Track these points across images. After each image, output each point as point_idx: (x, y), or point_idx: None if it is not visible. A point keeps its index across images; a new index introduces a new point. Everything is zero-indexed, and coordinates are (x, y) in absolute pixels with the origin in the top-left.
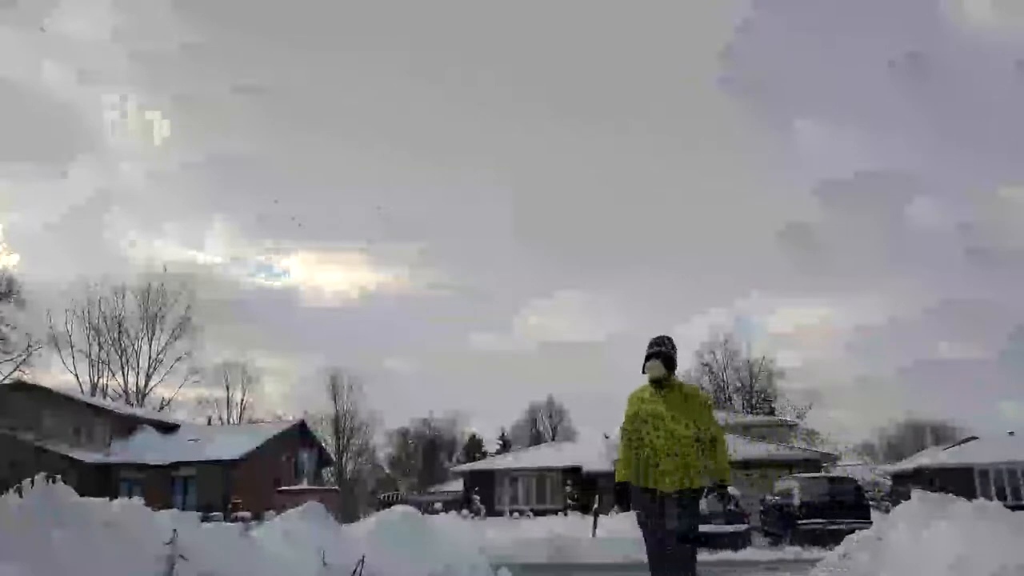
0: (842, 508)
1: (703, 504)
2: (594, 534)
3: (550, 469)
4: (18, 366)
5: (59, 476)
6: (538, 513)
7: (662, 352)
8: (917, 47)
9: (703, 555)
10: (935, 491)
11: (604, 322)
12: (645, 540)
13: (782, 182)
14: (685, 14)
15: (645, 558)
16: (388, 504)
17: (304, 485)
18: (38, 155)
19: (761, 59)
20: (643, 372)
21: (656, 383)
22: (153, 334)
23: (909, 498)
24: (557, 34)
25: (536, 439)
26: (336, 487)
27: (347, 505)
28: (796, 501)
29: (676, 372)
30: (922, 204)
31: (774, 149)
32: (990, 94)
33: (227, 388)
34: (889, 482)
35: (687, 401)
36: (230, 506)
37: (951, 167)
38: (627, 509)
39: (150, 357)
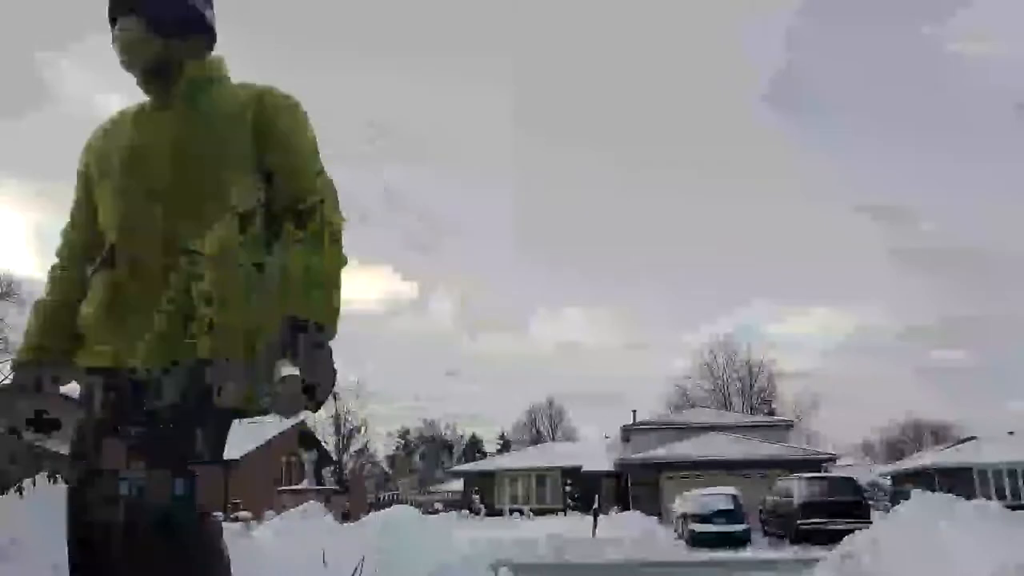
0: (842, 508)
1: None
2: (594, 534)
3: (550, 469)
4: None
5: (59, 476)
6: (538, 513)
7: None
8: None
9: (703, 555)
10: (935, 491)
11: (605, 321)
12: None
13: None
14: (686, 18)
15: (646, 556)
16: (388, 504)
17: (304, 485)
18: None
19: (762, 65)
20: (123, 66)
21: (152, 82)
22: None
23: (909, 498)
24: (558, 37)
25: (536, 439)
26: (336, 487)
27: (347, 505)
28: (796, 501)
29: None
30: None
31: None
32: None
33: None
34: (889, 482)
35: (236, 123)
36: (230, 506)
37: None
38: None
39: None
